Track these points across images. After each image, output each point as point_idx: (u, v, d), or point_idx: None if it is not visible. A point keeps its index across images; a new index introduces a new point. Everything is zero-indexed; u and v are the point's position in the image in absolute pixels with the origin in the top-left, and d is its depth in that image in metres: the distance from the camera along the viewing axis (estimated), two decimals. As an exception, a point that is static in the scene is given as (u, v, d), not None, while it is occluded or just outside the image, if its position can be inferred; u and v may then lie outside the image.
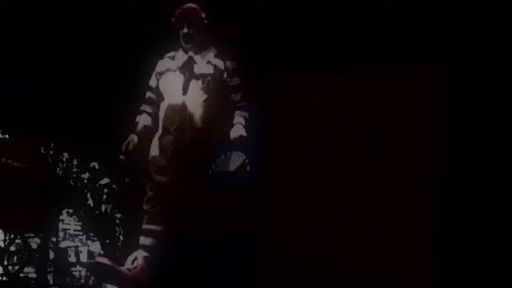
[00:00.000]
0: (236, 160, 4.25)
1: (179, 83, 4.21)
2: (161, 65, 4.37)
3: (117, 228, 9.82)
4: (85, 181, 9.93)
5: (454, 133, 4.82)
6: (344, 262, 4.68)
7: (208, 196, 4.20)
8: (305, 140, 5.03)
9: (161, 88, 4.30)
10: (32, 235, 7.85)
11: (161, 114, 4.27)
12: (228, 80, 4.25)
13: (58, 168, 8.16)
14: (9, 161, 6.77)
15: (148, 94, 4.42)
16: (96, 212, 10.13)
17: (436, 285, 4.42)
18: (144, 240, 4.17)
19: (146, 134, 4.33)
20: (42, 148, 7.53)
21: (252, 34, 5.17)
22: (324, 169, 4.94)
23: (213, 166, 4.30)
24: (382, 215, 4.70)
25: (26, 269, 8.03)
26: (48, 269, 8.21)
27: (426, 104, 4.91)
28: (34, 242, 8.49)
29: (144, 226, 4.22)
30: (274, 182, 4.90)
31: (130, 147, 4.27)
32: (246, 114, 4.27)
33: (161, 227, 4.16)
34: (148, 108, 4.40)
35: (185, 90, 4.18)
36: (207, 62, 4.25)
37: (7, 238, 7.56)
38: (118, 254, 9.18)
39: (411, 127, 5.02)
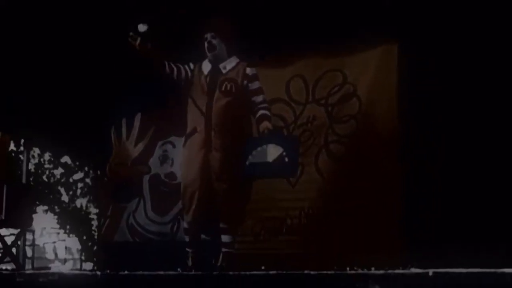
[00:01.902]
0: (273, 152, 4.58)
1: (205, 89, 4.71)
2: (191, 68, 4.83)
3: (92, 223, 9.79)
4: (58, 176, 9.89)
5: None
6: None
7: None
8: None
9: (189, 92, 4.79)
10: (8, 233, 7.75)
11: (189, 116, 4.76)
12: (249, 84, 4.73)
13: (30, 164, 8.09)
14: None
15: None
16: (71, 207, 10.09)
17: None
18: None
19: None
20: (13, 143, 7.45)
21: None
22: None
23: (250, 157, 4.64)
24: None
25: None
26: (27, 267, 8.12)
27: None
28: (10, 240, 8.38)
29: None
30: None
31: None
32: (268, 112, 4.75)
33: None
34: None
35: (211, 95, 4.67)
36: (230, 70, 4.75)
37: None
38: (95, 248, 9.14)
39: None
